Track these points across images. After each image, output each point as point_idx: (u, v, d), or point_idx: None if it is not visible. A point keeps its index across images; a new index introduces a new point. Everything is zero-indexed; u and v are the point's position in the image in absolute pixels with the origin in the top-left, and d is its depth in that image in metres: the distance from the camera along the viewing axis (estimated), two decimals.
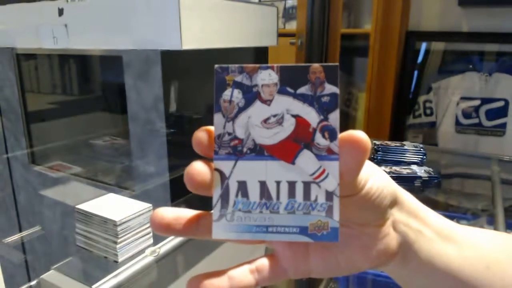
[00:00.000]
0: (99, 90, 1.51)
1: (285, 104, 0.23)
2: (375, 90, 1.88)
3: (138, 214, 0.90)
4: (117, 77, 1.18)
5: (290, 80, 0.23)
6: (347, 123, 2.29)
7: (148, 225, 0.92)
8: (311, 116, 0.23)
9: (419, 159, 1.21)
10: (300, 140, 0.23)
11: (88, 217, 0.90)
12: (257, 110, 0.23)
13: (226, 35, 1.14)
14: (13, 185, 1.57)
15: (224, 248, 0.98)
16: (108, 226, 0.86)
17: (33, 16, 1.25)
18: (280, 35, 1.44)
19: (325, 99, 0.22)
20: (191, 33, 0.98)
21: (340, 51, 1.78)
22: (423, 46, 1.88)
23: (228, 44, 1.15)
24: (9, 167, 1.56)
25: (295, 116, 0.23)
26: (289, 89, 0.23)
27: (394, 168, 1.17)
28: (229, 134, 0.23)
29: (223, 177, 0.23)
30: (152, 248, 0.86)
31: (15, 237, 1.58)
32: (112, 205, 0.93)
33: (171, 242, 0.89)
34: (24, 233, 1.58)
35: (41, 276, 0.87)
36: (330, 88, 0.22)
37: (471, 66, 1.79)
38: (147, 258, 0.83)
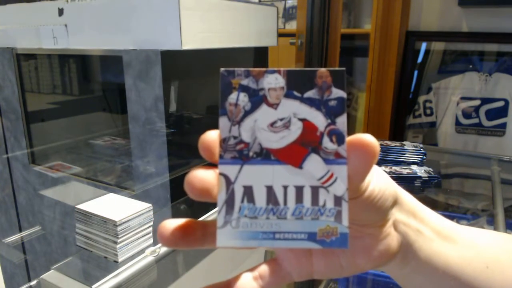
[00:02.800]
0: (99, 90, 1.51)
1: (292, 108, 0.22)
2: (375, 90, 1.88)
3: (138, 214, 0.90)
4: (117, 77, 1.18)
5: (297, 84, 0.22)
6: (347, 123, 2.29)
7: (148, 225, 0.92)
8: (319, 120, 0.22)
9: (419, 159, 1.21)
10: (307, 144, 0.22)
11: (88, 217, 0.90)
12: (264, 114, 0.22)
13: (226, 35, 1.14)
14: (13, 185, 1.57)
15: (223, 248, 0.98)
16: (108, 226, 0.86)
17: (33, 16, 1.25)
18: (280, 35, 1.44)
19: (332, 103, 0.22)
20: (191, 33, 0.98)
21: (340, 51, 1.78)
22: (423, 46, 1.88)
23: (228, 44, 1.15)
24: (9, 167, 1.56)
25: (302, 120, 0.22)
26: (296, 93, 0.22)
27: (394, 168, 1.17)
28: (235, 138, 0.22)
29: (228, 182, 0.22)
30: (152, 248, 0.86)
31: (15, 237, 1.58)
32: (112, 205, 0.93)
33: None
34: (24, 233, 1.58)
35: (41, 276, 0.87)
36: (337, 92, 0.22)
37: (471, 66, 1.79)
38: (147, 258, 0.83)
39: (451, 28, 1.81)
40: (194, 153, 1.19)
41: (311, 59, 1.73)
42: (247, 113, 0.22)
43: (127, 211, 0.89)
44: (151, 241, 0.92)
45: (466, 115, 1.81)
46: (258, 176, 0.22)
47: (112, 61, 1.22)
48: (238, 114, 0.22)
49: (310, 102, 0.22)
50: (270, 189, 0.22)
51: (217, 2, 1.08)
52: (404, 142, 1.28)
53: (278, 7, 1.41)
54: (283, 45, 1.64)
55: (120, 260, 0.86)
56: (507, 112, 1.74)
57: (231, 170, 0.22)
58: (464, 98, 1.81)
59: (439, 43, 1.86)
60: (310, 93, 0.22)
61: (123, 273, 0.78)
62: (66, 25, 1.15)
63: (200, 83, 1.19)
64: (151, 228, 0.92)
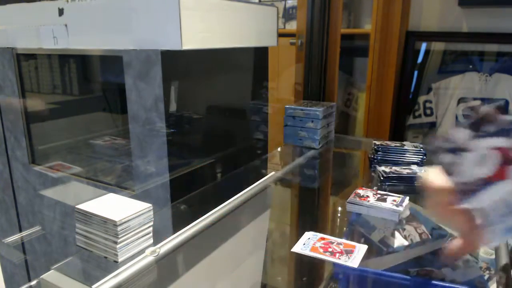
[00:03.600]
0: (99, 90, 1.51)
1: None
2: (375, 90, 1.88)
3: (138, 214, 0.89)
4: (117, 77, 1.18)
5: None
6: (347, 123, 2.29)
7: (148, 225, 0.92)
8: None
9: (419, 159, 1.21)
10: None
11: (88, 217, 0.90)
12: None
13: (226, 35, 1.14)
14: (13, 185, 1.57)
15: (224, 248, 0.98)
16: (108, 226, 0.86)
17: (33, 16, 1.25)
18: (280, 35, 1.44)
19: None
20: (191, 33, 0.98)
21: (340, 51, 1.78)
22: (423, 46, 1.88)
23: (228, 44, 1.15)
24: (9, 167, 1.56)
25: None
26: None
27: (394, 168, 1.17)
28: None
29: None
30: (152, 248, 0.86)
31: (15, 237, 1.58)
32: (112, 205, 0.93)
33: (171, 242, 0.89)
34: (24, 233, 1.58)
35: (41, 276, 0.86)
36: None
37: (471, 66, 1.79)
38: (147, 258, 0.83)
39: (451, 28, 1.81)
40: (194, 153, 1.19)
41: (311, 59, 1.73)
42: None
43: (127, 211, 0.89)
44: (151, 241, 0.92)
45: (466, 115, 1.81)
46: None
47: (112, 61, 1.22)
48: None
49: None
50: None
51: (217, 2, 1.08)
52: (404, 142, 1.28)
53: (278, 7, 1.41)
54: (283, 45, 1.64)
55: (120, 260, 0.86)
56: (507, 112, 1.73)
57: None
58: (464, 98, 1.81)
59: (439, 43, 1.86)
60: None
61: (123, 273, 0.78)
62: (66, 25, 1.15)
63: (200, 83, 1.19)
64: (151, 228, 0.92)
